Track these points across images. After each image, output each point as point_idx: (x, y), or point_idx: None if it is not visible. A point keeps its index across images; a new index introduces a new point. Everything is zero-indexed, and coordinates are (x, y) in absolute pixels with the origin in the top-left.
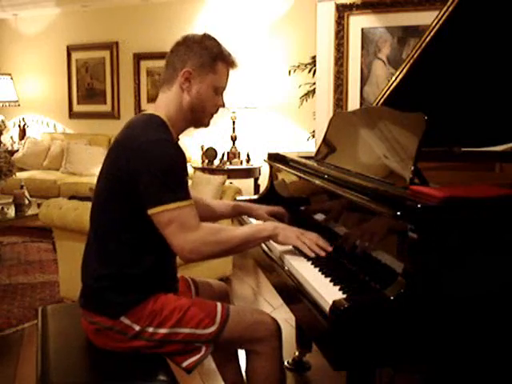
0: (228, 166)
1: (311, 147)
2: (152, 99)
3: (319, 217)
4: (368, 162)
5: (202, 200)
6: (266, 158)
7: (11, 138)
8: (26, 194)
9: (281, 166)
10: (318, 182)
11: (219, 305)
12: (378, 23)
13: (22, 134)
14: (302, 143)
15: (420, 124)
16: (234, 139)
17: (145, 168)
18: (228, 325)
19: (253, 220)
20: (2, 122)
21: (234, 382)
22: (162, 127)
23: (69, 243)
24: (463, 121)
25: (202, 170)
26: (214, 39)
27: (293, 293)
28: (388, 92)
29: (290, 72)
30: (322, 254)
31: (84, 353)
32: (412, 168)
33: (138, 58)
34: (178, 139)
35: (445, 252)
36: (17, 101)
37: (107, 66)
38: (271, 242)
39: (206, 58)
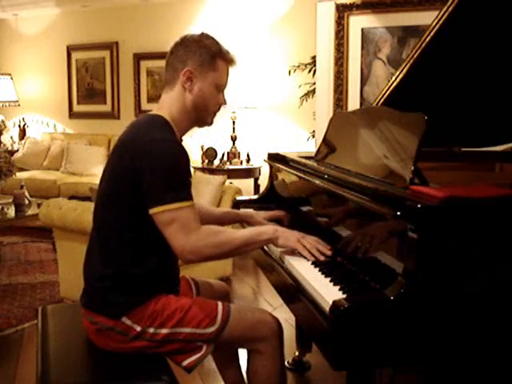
0: (228, 166)
1: (311, 147)
2: (152, 99)
3: (319, 217)
4: (368, 161)
5: (200, 206)
6: (266, 158)
7: (11, 138)
8: (26, 194)
9: (281, 166)
10: (318, 182)
11: (220, 304)
12: (378, 23)
13: (22, 134)
14: (302, 143)
15: (420, 124)
16: (233, 139)
17: (148, 167)
18: (229, 324)
19: None
20: (2, 121)
21: (234, 382)
22: (165, 127)
23: (69, 243)
24: (463, 121)
25: (202, 169)
26: (212, 38)
27: (293, 293)
28: (388, 92)
29: (289, 72)
30: (322, 258)
31: (84, 353)
32: (412, 168)
33: (138, 58)
34: (182, 140)
35: (445, 252)
36: (17, 101)
37: (107, 66)
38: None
39: (206, 57)
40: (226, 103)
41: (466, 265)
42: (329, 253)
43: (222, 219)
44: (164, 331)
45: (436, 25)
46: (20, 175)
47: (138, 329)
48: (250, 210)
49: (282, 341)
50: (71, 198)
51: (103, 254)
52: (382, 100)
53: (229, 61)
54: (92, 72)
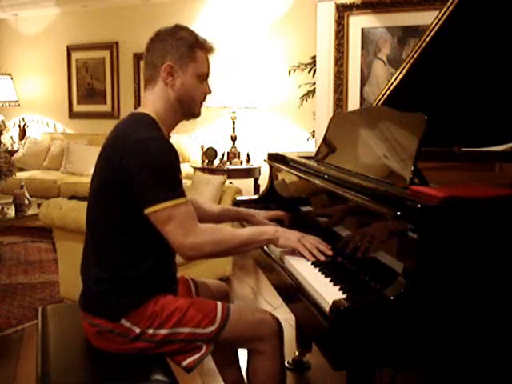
0: (228, 166)
1: (311, 147)
2: None
3: (319, 217)
4: (368, 161)
5: (198, 203)
6: (265, 158)
7: (11, 138)
8: (26, 194)
9: (281, 166)
10: (318, 182)
11: (219, 304)
12: (377, 23)
13: (22, 133)
14: (301, 143)
15: (420, 124)
16: (233, 139)
17: (138, 167)
18: (228, 324)
19: None
20: (2, 121)
21: (234, 382)
22: (151, 125)
23: (69, 243)
24: (463, 121)
25: (202, 170)
26: (186, 28)
27: (293, 293)
28: (388, 92)
29: (289, 72)
30: (322, 258)
31: (84, 353)
32: (412, 168)
33: (138, 58)
34: (170, 136)
35: (445, 252)
36: (17, 101)
37: (107, 66)
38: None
39: (184, 49)
40: (210, 92)
41: (465, 265)
42: (329, 253)
43: (222, 216)
44: (163, 332)
45: (436, 25)
46: (20, 175)
47: (138, 330)
48: (251, 210)
49: (282, 341)
50: (71, 198)
51: (98, 256)
52: (382, 100)
53: (207, 49)
54: (92, 72)
